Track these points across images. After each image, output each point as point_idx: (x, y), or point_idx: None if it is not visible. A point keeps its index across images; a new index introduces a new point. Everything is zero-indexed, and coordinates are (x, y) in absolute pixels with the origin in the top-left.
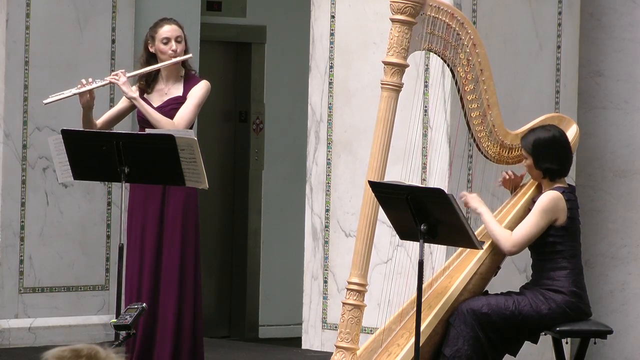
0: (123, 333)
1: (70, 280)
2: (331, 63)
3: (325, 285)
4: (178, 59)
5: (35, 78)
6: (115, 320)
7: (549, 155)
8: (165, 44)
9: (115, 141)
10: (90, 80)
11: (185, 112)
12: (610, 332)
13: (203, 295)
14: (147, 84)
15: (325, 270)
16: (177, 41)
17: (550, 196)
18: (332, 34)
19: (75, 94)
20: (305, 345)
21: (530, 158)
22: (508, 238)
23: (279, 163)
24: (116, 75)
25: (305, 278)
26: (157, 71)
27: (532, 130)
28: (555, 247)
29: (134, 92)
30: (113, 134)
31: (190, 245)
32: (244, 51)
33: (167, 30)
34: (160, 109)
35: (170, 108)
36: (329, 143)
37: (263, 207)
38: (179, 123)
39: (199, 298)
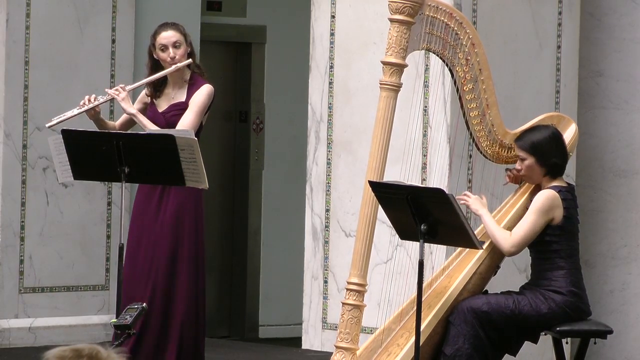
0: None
1: (70, 280)
2: (331, 63)
3: (326, 285)
4: (175, 67)
5: (35, 78)
6: (115, 320)
7: (552, 151)
8: (163, 51)
9: (115, 141)
10: (92, 97)
11: (186, 122)
12: (610, 332)
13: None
14: (155, 88)
15: (326, 270)
16: (174, 47)
17: (546, 195)
18: (332, 34)
19: (78, 114)
20: (305, 345)
21: (532, 157)
22: (507, 239)
23: (279, 163)
24: (117, 90)
25: (305, 278)
26: (165, 76)
27: (526, 131)
28: (552, 246)
29: (133, 107)
30: (113, 134)
31: (180, 248)
32: (244, 51)
33: (163, 37)
34: (164, 115)
35: (172, 114)
36: (329, 143)
37: (263, 207)
38: None
39: (191, 302)
